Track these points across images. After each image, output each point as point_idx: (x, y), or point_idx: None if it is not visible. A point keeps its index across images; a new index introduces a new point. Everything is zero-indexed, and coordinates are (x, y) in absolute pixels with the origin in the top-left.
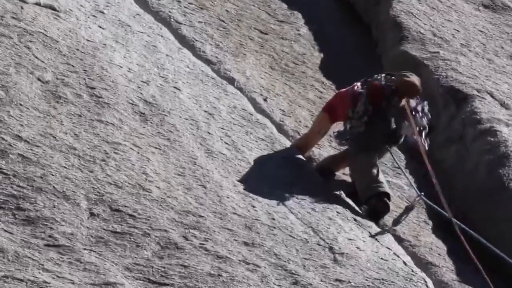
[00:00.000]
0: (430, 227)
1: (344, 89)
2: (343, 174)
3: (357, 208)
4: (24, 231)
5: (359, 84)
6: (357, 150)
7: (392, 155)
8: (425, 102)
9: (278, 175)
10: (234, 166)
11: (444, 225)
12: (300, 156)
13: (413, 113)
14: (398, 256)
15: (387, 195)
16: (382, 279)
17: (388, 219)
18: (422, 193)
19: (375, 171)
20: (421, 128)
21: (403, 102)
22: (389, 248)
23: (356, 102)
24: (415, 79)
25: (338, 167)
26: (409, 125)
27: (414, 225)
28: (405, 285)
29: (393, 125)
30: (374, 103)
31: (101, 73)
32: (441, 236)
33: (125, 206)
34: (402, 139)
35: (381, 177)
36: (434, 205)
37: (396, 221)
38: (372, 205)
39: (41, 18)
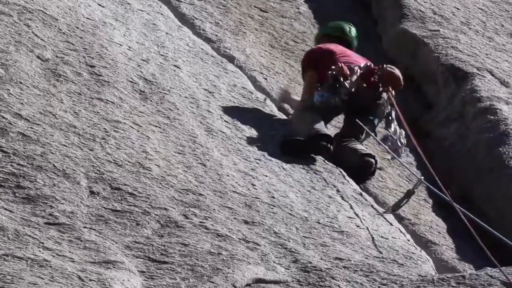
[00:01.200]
0: (430, 206)
1: (326, 47)
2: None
3: (356, 186)
4: (24, 210)
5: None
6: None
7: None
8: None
9: (278, 153)
10: (234, 145)
11: (444, 204)
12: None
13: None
14: (402, 233)
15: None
16: (382, 257)
17: (388, 198)
18: (422, 177)
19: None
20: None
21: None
22: (390, 225)
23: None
24: (398, 72)
25: None
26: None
27: (414, 203)
28: (405, 263)
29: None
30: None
31: (101, 51)
32: (441, 215)
33: (125, 185)
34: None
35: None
36: (435, 189)
37: (397, 205)
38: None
39: None
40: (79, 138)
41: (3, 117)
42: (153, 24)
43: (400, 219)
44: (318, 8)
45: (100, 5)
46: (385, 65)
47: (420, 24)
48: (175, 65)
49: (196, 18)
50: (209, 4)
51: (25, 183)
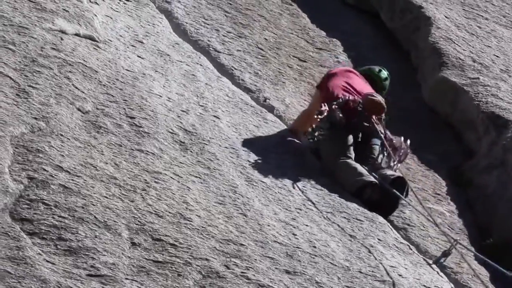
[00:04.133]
0: (472, 254)
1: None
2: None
3: (398, 234)
4: (66, 262)
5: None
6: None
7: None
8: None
9: (320, 202)
10: (274, 194)
11: (486, 251)
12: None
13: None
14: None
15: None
16: None
17: (430, 247)
18: (458, 239)
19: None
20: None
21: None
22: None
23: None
24: (379, 98)
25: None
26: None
27: (455, 251)
28: None
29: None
30: (347, 116)
31: (140, 103)
32: (483, 262)
33: (166, 235)
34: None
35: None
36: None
37: (436, 261)
38: (367, 195)
39: (81, 49)
40: (120, 189)
41: (45, 170)
42: (193, 75)
43: (442, 267)
44: (357, 57)
45: (139, 56)
46: (367, 95)
47: (459, 72)
48: (214, 116)
49: (235, 69)
50: (248, 55)
51: (66, 235)
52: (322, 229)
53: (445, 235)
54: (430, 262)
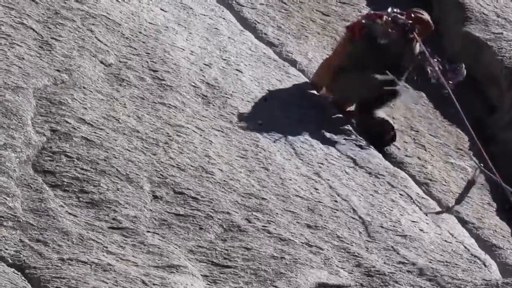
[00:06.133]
0: (494, 209)
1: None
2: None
3: (419, 189)
4: (88, 214)
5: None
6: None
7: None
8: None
9: (342, 156)
10: (296, 148)
11: (508, 207)
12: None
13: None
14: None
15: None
16: (446, 262)
17: (452, 202)
18: (482, 164)
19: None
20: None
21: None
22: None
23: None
24: (428, 16)
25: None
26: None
27: (477, 207)
28: (469, 267)
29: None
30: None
31: (163, 56)
32: (505, 218)
33: (188, 189)
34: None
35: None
36: (494, 176)
37: (459, 200)
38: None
39: (104, 1)
40: (142, 142)
41: (67, 122)
42: (215, 28)
43: (464, 222)
44: (380, 10)
45: (162, 9)
46: (413, 12)
47: (483, 27)
48: (237, 69)
49: (258, 23)
50: (271, 8)
51: (88, 188)
52: (344, 183)
53: (470, 157)
54: (454, 212)
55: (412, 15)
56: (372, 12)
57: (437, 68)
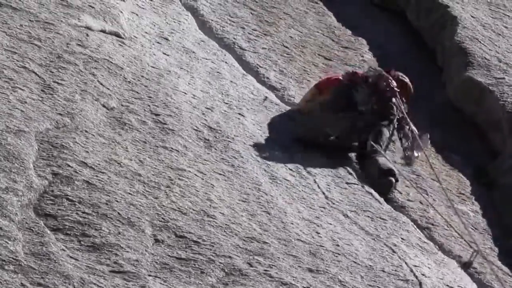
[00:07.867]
0: (496, 254)
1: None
2: None
3: (421, 234)
4: (90, 258)
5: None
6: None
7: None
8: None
9: (344, 201)
10: (298, 193)
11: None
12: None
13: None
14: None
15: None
16: None
17: (454, 246)
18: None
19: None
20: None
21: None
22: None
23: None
24: (408, 80)
25: None
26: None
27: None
28: None
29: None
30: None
31: (165, 100)
32: (508, 263)
33: (190, 233)
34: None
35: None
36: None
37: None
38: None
39: (106, 45)
40: (144, 186)
41: (69, 166)
42: (218, 72)
43: (465, 267)
44: (383, 56)
45: (165, 53)
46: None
47: (485, 72)
48: (239, 113)
49: (260, 67)
50: (273, 53)
51: (90, 231)
52: (346, 227)
53: (467, 243)
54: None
55: (395, 77)
56: (351, 71)
57: (410, 135)
